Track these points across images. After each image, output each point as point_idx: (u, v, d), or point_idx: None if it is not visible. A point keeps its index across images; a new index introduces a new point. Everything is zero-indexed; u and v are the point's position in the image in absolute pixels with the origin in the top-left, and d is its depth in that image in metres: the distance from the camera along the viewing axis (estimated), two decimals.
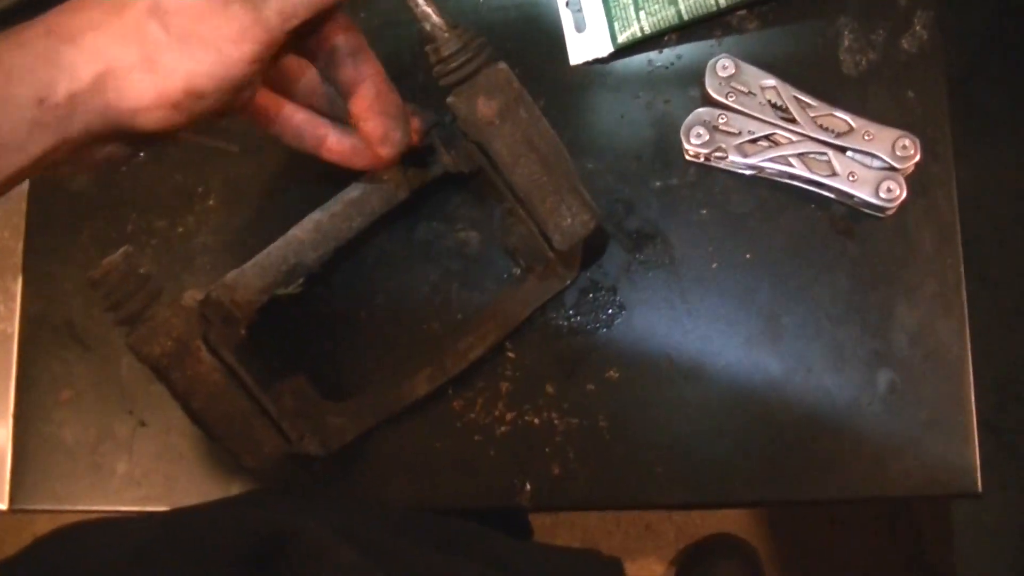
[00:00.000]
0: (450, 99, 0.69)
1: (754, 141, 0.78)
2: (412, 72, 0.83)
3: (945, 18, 0.81)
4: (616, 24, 0.82)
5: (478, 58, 0.69)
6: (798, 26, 0.82)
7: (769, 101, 0.79)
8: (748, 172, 0.79)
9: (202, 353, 0.70)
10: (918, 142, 0.76)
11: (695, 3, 0.80)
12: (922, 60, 0.81)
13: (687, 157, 0.80)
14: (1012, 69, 0.85)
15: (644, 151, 0.81)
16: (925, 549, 1.50)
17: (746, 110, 0.79)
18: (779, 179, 0.79)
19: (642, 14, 0.81)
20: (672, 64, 0.82)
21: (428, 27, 0.69)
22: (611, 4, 0.82)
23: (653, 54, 0.83)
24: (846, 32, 0.81)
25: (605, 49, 0.83)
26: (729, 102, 0.78)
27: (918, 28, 0.81)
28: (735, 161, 0.78)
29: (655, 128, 0.81)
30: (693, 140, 0.78)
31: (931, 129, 0.79)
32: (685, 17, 0.81)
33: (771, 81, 0.78)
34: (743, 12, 0.82)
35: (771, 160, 0.77)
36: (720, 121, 0.78)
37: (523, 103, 0.70)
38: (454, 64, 0.69)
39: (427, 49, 0.69)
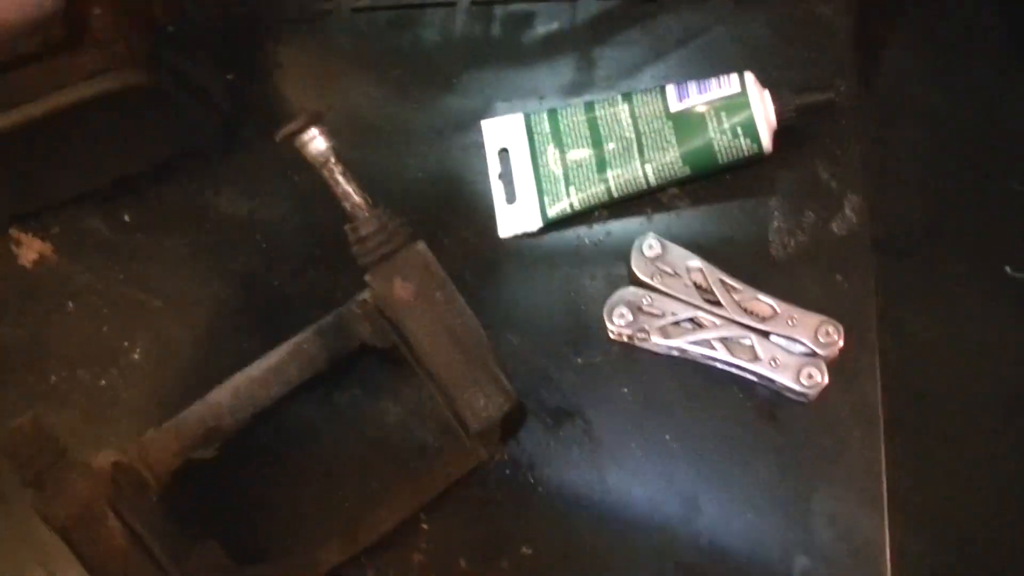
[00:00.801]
0: (367, 277, 0.71)
1: (677, 323, 0.79)
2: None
3: (875, 203, 0.83)
4: (546, 198, 0.84)
5: (396, 239, 0.71)
6: (729, 205, 0.83)
7: (695, 283, 0.80)
8: (671, 354, 0.80)
9: (109, 519, 0.70)
10: (841, 329, 0.78)
11: (624, 181, 0.82)
12: (851, 244, 0.82)
13: (610, 336, 0.81)
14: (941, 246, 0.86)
15: (568, 327, 0.82)
16: None
17: (671, 291, 0.80)
18: (702, 361, 0.79)
19: (572, 189, 0.83)
20: (601, 240, 0.84)
21: (348, 206, 0.71)
22: (542, 179, 0.84)
23: (583, 229, 0.85)
24: (776, 213, 0.83)
25: (535, 223, 0.84)
26: (654, 283, 0.80)
27: (847, 212, 0.82)
28: (658, 343, 0.79)
29: (580, 304, 0.82)
30: (616, 320, 0.79)
31: (857, 314, 0.80)
32: (615, 194, 0.83)
33: (697, 263, 0.80)
34: (674, 190, 0.83)
35: (694, 343, 0.78)
36: (644, 302, 0.80)
37: (440, 285, 0.72)
38: (371, 244, 0.71)
39: (346, 228, 0.71)
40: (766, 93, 0.80)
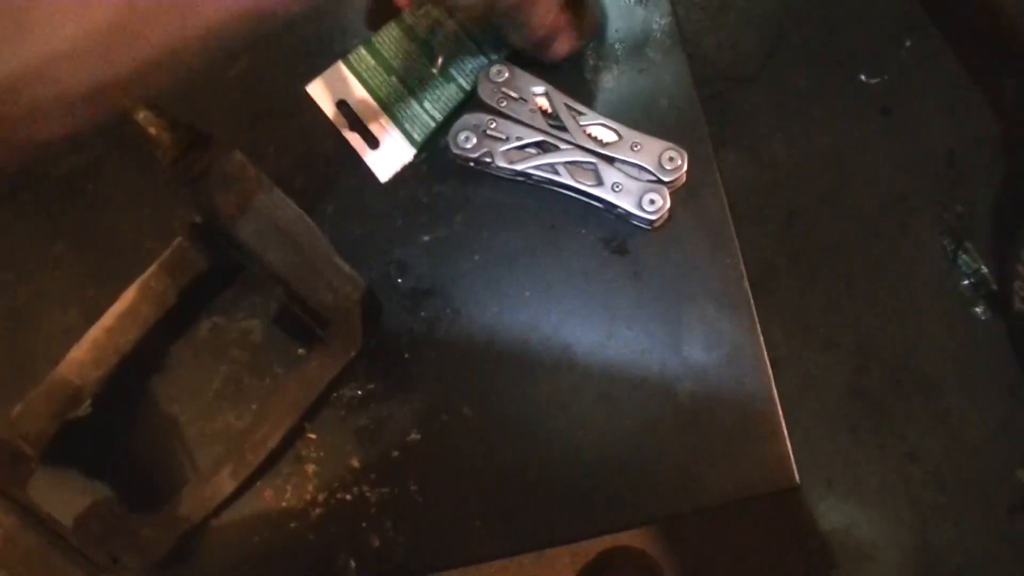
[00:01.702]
0: (189, 199, 0.71)
1: (521, 148, 0.80)
2: None
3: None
4: (407, 125, 0.83)
5: (209, 151, 0.71)
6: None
7: (540, 108, 0.80)
8: (516, 179, 0.81)
9: None
10: (685, 154, 0.79)
11: (469, 69, 0.82)
12: (668, 68, 0.83)
13: (455, 160, 0.82)
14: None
15: (410, 208, 0.83)
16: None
17: (516, 116, 0.80)
18: (546, 186, 0.81)
19: (426, 103, 0.83)
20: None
21: (153, 131, 0.71)
22: (393, 109, 0.83)
23: None
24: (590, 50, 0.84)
25: (408, 154, 0.84)
26: (500, 107, 0.80)
27: (659, 36, 0.83)
28: (502, 167, 0.80)
29: (415, 183, 0.83)
30: (461, 143, 0.80)
31: (689, 135, 0.81)
32: (467, 87, 0.83)
33: (542, 88, 0.80)
34: None
35: (537, 168, 0.79)
36: (490, 126, 0.80)
37: (263, 189, 0.72)
38: (183, 164, 0.71)
39: (156, 155, 0.71)
40: None
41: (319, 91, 0.85)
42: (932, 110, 1.18)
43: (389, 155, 0.84)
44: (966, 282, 1.19)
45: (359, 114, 0.84)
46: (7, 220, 0.87)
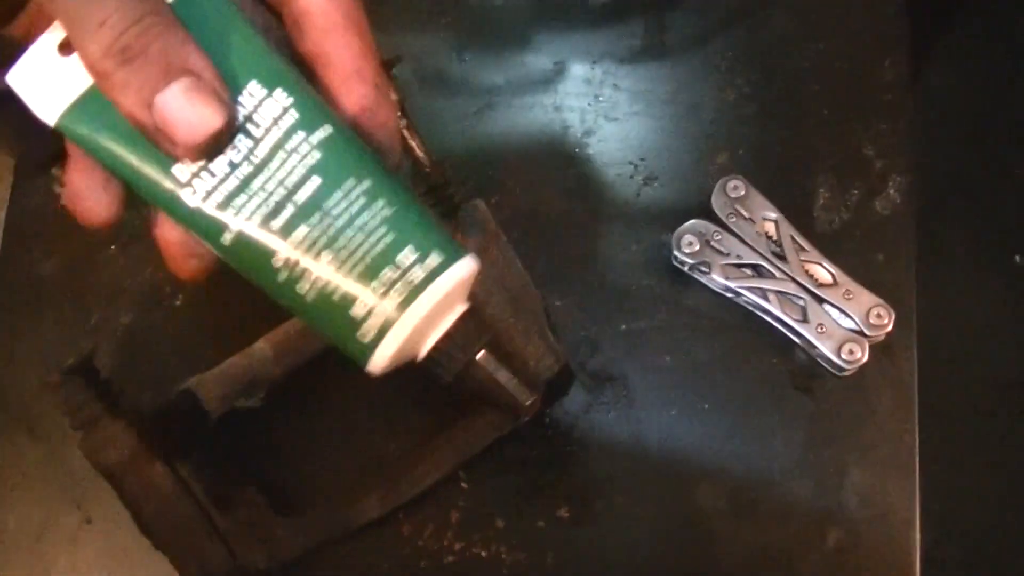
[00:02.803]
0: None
1: (739, 266, 0.82)
2: None
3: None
4: None
5: (456, 196, 0.73)
6: (776, 181, 0.86)
7: (766, 233, 0.82)
8: (725, 294, 0.83)
9: (156, 463, 0.72)
10: (893, 314, 0.80)
11: None
12: (894, 224, 0.85)
13: (674, 263, 0.84)
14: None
15: (615, 292, 0.84)
16: None
17: (742, 234, 0.83)
18: (751, 309, 0.83)
19: None
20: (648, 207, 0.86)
21: (411, 161, 0.73)
22: None
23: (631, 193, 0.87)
24: (822, 190, 0.85)
25: None
26: (729, 222, 0.83)
27: (892, 192, 0.85)
28: (716, 279, 0.82)
29: (628, 270, 0.85)
30: (684, 248, 0.82)
31: (897, 294, 0.83)
32: None
33: (773, 214, 0.83)
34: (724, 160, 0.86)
35: (749, 289, 0.81)
36: (715, 238, 0.82)
37: (498, 242, 0.74)
38: (430, 200, 0.73)
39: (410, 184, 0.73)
40: None
41: None
42: None
43: None
44: None
45: None
46: None
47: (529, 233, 0.86)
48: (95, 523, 0.85)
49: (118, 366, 0.85)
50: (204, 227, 0.47)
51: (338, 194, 0.47)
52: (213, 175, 0.47)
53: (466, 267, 0.50)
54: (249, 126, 0.47)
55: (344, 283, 0.47)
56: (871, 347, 0.81)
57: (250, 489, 0.80)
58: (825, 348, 0.79)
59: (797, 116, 0.89)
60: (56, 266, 0.90)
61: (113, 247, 0.89)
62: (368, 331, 0.48)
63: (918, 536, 0.81)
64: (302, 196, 0.47)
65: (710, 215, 0.83)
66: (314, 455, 0.84)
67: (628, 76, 0.90)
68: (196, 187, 0.47)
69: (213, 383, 0.78)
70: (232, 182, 0.46)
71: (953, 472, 0.86)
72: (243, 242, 0.47)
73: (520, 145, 0.90)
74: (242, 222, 0.47)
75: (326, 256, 0.47)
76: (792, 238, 0.81)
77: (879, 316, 0.79)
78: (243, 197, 0.46)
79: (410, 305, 0.48)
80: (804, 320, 0.80)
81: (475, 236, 0.73)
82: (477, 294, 0.71)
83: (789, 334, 0.81)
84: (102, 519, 0.85)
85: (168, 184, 0.47)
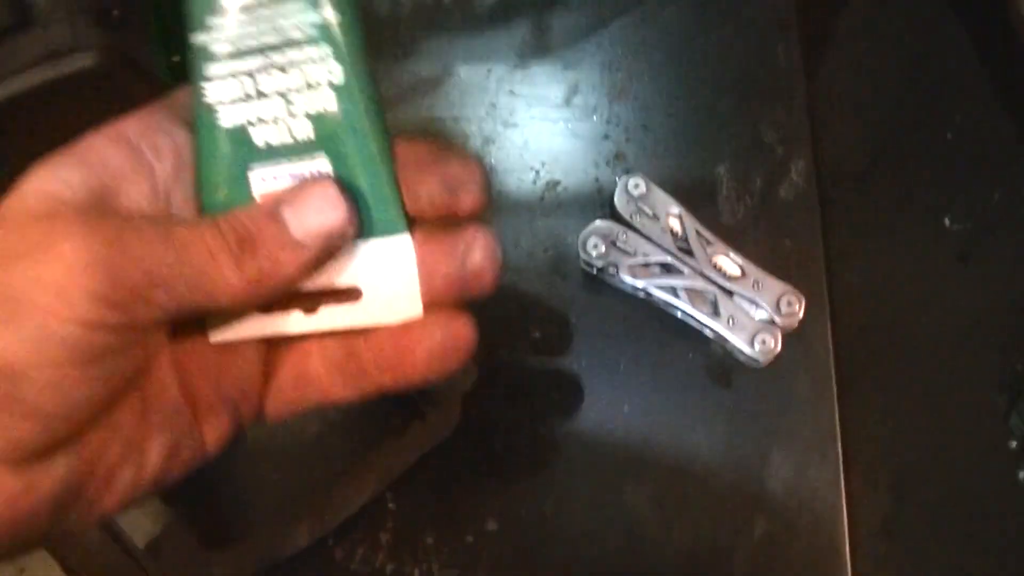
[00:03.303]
0: None
1: (647, 265, 0.82)
2: None
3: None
4: None
5: None
6: (677, 173, 0.86)
7: (671, 229, 0.83)
8: (636, 295, 0.83)
9: None
10: (803, 300, 0.81)
11: None
12: (799, 209, 0.85)
13: (581, 266, 0.84)
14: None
15: (526, 300, 0.85)
16: None
17: (647, 233, 0.83)
18: (663, 307, 0.83)
19: None
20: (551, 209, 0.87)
21: None
22: None
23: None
24: (724, 180, 0.86)
25: None
26: (633, 221, 0.83)
27: (794, 177, 0.86)
28: (625, 280, 0.82)
29: (537, 276, 0.85)
30: (590, 250, 0.82)
31: (807, 279, 0.83)
32: None
33: (677, 209, 0.83)
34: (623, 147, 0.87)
35: (659, 287, 0.82)
36: (620, 238, 0.82)
37: None
38: None
39: None
40: None
41: None
42: (1010, 264, 1.19)
43: None
44: (1014, 444, 1.20)
45: None
46: None
47: None
48: (27, 573, 0.84)
49: None
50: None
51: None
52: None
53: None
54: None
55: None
56: (785, 335, 0.81)
57: (180, 528, 0.80)
58: (738, 340, 0.80)
59: (693, 108, 0.89)
60: None
61: None
62: None
63: (845, 519, 0.82)
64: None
65: (614, 215, 0.83)
66: (235, 487, 0.84)
67: (523, 81, 0.90)
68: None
69: None
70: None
71: (876, 452, 0.87)
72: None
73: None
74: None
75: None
76: (697, 232, 0.82)
77: (789, 303, 0.80)
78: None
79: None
80: (715, 314, 0.81)
81: None
82: None
83: (703, 329, 0.82)
84: (37, 570, 0.84)
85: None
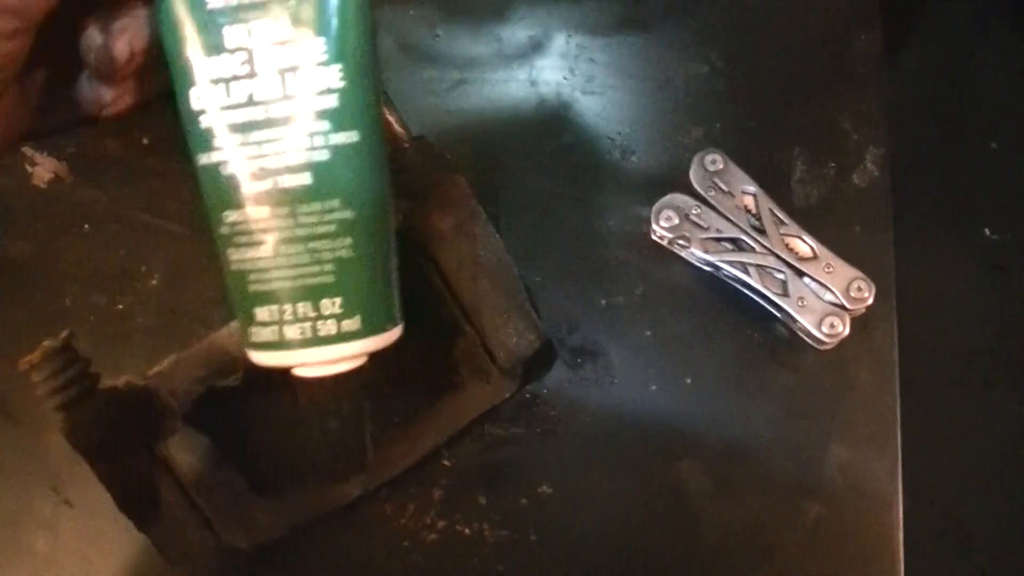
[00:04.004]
0: (403, 206, 0.73)
1: (719, 240, 0.83)
2: None
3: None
4: None
5: (436, 171, 0.73)
6: (753, 154, 0.86)
7: (745, 207, 0.83)
8: (704, 268, 0.84)
9: (135, 443, 0.72)
10: (873, 287, 0.81)
11: None
12: (871, 197, 0.85)
13: (653, 237, 0.85)
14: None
15: (595, 268, 0.85)
16: None
17: (721, 208, 0.83)
18: (731, 283, 0.83)
19: None
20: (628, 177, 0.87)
21: (388, 137, 0.73)
22: None
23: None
24: (799, 164, 0.86)
25: None
26: (708, 196, 0.83)
27: (868, 165, 0.85)
28: (695, 254, 0.82)
29: (607, 244, 0.85)
30: (663, 222, 0.82)
31: (876, 267, 0.83)
32: None
33: (752, 188, 0.83)
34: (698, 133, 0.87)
35: (729, 263, 0.82)
36: (693, 211, 0.83)
37: (477, 219, 0.74)
38: (410, 176, 0.72)
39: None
40: None
41: None
42: None
43: None
44: None
45: None
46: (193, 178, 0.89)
47: (505, 209, 0.86)
48: (75, 506, 0.84)
49: (93, 348, 0.84)
50: (196, 131, 0.46)
51: (316, 205, 0.46)
52: (230, 96, 0.46)
53: (372, 344, 0.49)
54: (290, 78, 0.46)
55: (264, 284, 0.46)
56: (854, 323, 0.81)
57: (229, 470, 0.80)
58: (806, 322, 0.80)
59: (772, 90, 0.89)
60: (26, 248, 0.89)
61: (87, 226, 0.88)
62: (258, 334, 0.47)
63: (901, 510, 0.82)
64: (287, 181, 0.46)
65: (688, 189, 0.83)
66: (291, 435, 0.83)
67: (603, 50, 0.91)
68: (213, 92, 0.46)
69: (189, 364, 0.78)
70: (242, 116, 0.45)
71: (934, 445, 0.87)
72: (214, 174, 0.46)
73: (496, 120, 0.90)
74: (225, 155, 0.46)
75: (267, 250, 0.46)
76: (771, 211, 0.82)
77: (859, 289, 0.80)
78: (241, 137, 0.46)
79: (302, 349, 0.47)
80: (785, 294, 0.80)
81: (454, 212, 0.73)
82: (458, 272, 0.71)
83: (770, 308, 0.82)
84: (81, 503, 0.84)
85: (192, 72, 0.46)
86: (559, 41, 0.92)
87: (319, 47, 0.45)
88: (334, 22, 0.44)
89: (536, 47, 0.92)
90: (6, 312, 0.88)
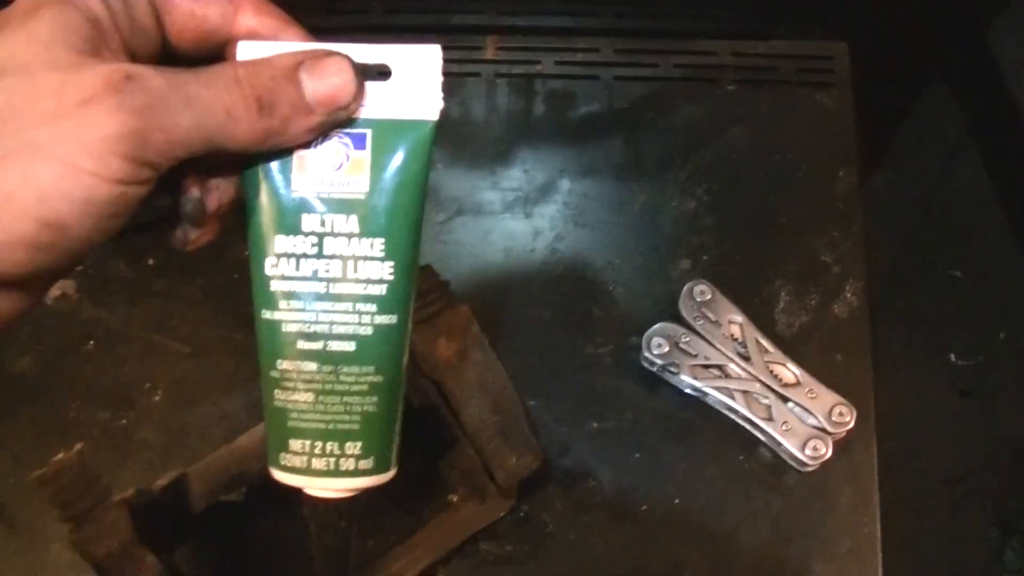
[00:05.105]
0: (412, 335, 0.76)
1: (707, 367, 0.87)
2: None
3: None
4: None
5: (441, 300, 0.77)
6: (738, 288, 0.91)
7: (731, 335, 0.87)
8: (693, 393, 0.88)
9: (148, 554, 0.74)
10: (854, 412, 0.85)
11: None
12: (851, 327, 0.90)
13: (643, 364, 0.89)
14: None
15: (586, 393, 0.88)
16: None
17: (709, 337, 0.88)
18: (719, 408, 0.87)
19: None
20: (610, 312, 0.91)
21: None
22: None
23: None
24: (782, 295, 0.90)
25: None
26: (696, 325, 0.88)
27: (849, 296, 0.90)
28: (684, 380, 0.87)
29: (598, 371, 0.89)
30: (654, 349, 0.87)
31: (855, 392, 0.88)
32: None
33: (739, 318, 0.88)
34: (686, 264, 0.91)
35: (716, 389, 0.86)
36: (683, 340, 0.87)
37: (480, 346, 0.78)
38: (417, 304, 0.76)
39: None
40: None
41: None
42: (1012, 403, 1.24)
43: None
44: None
45: None
46: (197, 299, 0.92)
47: (501, 336, 0.89)
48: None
49: (97, 462, 0.87)
50: (264, 292, 0.52)
51: (355, 368, 0.52)
52: (298, 270, 0.51)
53: (380, 480, 0.55)
54: (350, 265, 0.51)
55: (301, 423, 0.52)
56: (832, 444, 0.85)
57: None
58: (791, 445, 0.84)
59: (757, 225, 0.94)
60: (31, 364, 0.91)
61: (92, 343, 0.91)
62: (288, 460, 0.53)
63: None
64: (334, 346, 0.51)
65: (677, 318, 0.87)
66: (290, 550, 0.86)
67: (595, 186, 0.95)
68: (284, 264, 0.51)
69: (197, 479, 0.80)
70: (305, 288, 0.51)
71: (914, 565, 0.91)
72: (274, 328, 0.52)
73: (492, 251, 0.94)
74: (286, 316, 0.51)
75: (308, 397, 0.52)
76: (757, 340, 0.86)
77: (841, 414, 0.84)
78: (301, 304, 0.51)
79: (324, 479, 0.54)
80: (770, 418, 0.85)
81: (458, 340, 0.76)
82: (461, 395, 0.75)
83: (755, 432, 0.86)
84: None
85: (269, 244, 0.51)
86: (553, 177, 0.97)
87: (379, 245, 0.51)
88: (395, 227, 0.50)
89: (530, 182, 0.96)
90: (9, 426, 0.90)
